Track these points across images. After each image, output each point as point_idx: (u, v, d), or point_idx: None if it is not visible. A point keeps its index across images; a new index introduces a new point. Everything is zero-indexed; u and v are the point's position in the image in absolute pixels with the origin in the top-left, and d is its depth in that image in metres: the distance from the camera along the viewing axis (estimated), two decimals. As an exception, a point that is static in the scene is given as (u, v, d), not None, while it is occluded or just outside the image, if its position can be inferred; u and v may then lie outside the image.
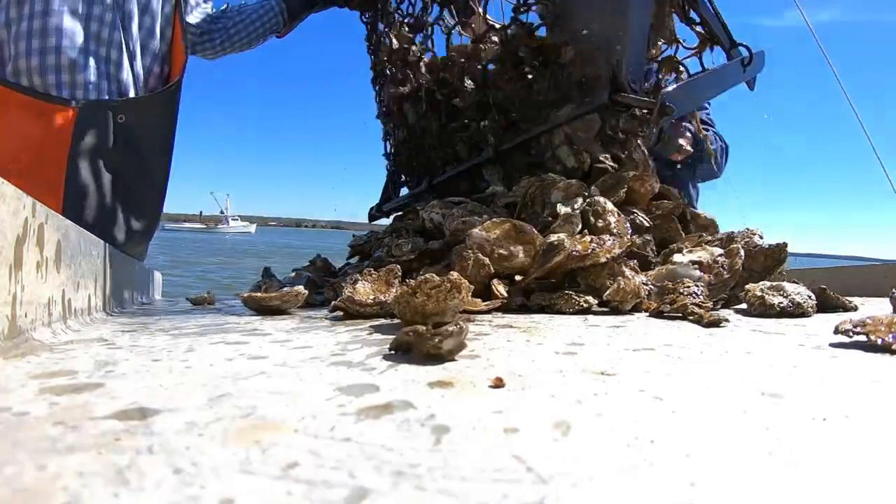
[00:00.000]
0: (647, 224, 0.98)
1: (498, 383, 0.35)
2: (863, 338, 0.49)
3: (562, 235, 0.81)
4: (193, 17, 1.44)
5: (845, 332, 0.51)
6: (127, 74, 1.20)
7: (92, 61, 1.14)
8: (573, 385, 0.36)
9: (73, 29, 1.14)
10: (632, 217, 0.97)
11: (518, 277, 0.83)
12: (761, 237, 0.99)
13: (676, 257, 0.91)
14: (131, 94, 1.20)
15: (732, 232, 1.02)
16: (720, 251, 0.90)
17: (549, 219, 0.89)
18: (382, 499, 0.20)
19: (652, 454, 0.24)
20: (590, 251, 0.79)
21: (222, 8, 1.52)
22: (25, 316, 0.47)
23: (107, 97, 1.17)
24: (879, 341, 0.47)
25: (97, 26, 1.15)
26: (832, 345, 0.50)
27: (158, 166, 1.30)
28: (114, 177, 1.18)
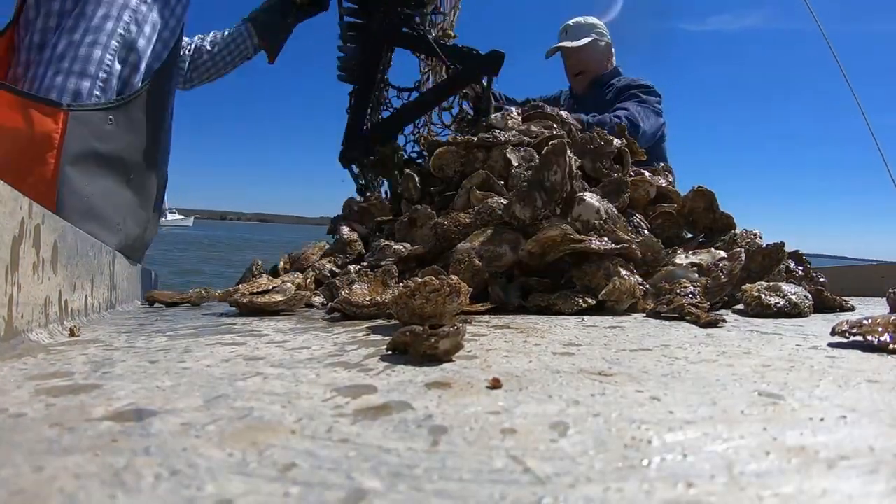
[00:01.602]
0: (645, 226, 0.98)
1: (495, 384, 0.35)
2: (860, 338, 0.49)
3: (555, 221, 0.83)
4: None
5: (842, 333, 0.51)
6: (118, 80, 1.20)
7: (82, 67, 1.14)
8: (570, 386, 0.36)
9: (68, 40, 1.13)
10: (631, 220, 0.98)
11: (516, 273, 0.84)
12: (761, 238, 0.99)
13: (678, 258, 0.91)
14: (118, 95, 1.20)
15: (734, 233, 1.03)
16: (722, 254, 0.90)
17: (544, 223, 0.90)
18: (380, 500, 0.20)
19: (649, 454, 0.24)
20: (584, 239, 0.80)
21: (196, 43, 1.56)
22: (22, 317, 0.47)
23: (96, 100, 1.17)
24: (876, 342, 0.48)
25: (93, 36, 1.15)
26: (830, 345, 0.50)
27: (152, 166, 1.30)
28: (106, 180, 1.17)
